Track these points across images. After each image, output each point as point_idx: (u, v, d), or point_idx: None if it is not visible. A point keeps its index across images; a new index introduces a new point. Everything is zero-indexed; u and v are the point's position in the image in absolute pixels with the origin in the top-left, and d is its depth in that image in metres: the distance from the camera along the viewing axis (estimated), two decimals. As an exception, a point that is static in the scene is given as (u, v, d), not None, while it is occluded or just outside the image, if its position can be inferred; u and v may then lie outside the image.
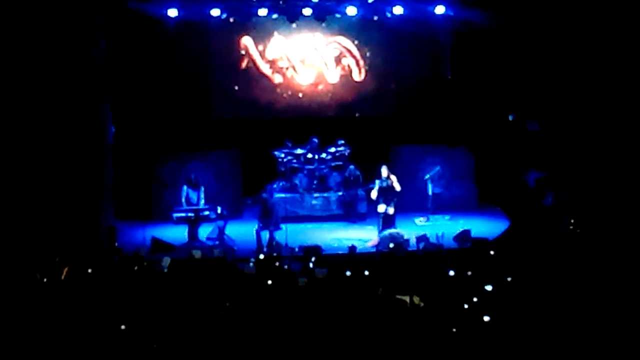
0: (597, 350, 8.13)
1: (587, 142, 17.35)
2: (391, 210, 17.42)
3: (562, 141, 18.19)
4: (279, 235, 17.10)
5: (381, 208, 17.39)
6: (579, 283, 10.63)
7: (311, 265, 13.34)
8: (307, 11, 20.59)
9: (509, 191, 20.26)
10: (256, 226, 17.21)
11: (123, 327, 9.09)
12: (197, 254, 13.87)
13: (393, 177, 17.55)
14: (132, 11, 19.18)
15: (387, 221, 17.38)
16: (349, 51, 21.45)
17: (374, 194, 17.56)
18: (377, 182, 17.56)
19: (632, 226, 15.45)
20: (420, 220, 19.11)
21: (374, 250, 16.62)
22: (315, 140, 20.49)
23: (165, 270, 12.82)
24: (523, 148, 20.07)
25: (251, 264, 13.24)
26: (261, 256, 14.89)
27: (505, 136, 20.48)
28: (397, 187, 17.47)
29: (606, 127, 16.91)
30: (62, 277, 12.01)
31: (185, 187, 18.01)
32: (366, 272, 11.74)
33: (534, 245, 14.81)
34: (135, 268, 12.91)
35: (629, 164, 16.53)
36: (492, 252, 13.04)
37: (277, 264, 13.57)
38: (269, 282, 11.34)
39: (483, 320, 8.93)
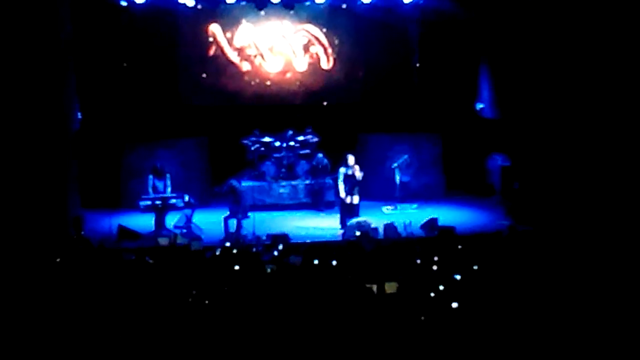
0: (565, 337, 8.20)
1: (552, 129, 17.46)
2: (356, 200, 17.42)
3: (526, 128, 18.33)
4: (247, 224, 17.08)
5: (342, 194, 17.35)
6: (546, 271, 10.71)
7: (276, 253, 13.30)
8: (275, -2, 20.58)
9: (473, 178, 20.45)
10: (225, 214, 17.17)
11: (90, 316, 9.04)
12: (164, 241, 13.78)
13: (357, 166, 17.51)
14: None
15: (351, 210, 17.37)
16: (317, 39, 21.44)
17: (342, 192, 17.49)
18: (342, 169, 17.53)
19: (598, 212, 15.62)
20: (387, 209, 19.16)
21: (340, 238, 16.63)
22: (290, 132, 20.45)
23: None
24: (487, 135, 20.23)
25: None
26: (227, 244, 14.85)
27: (472, 124, 20.60)
28: (359, 176, 17.41)
29: (571, 113, 17.02)
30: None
31: (151, 177, 17.90)
32: (334, 262, 11.74)
33: (499, 234, 14.95)
34: (102, 257, 12.82)
35: (595, 151, 16.66)
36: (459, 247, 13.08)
37: (241, 251, 13.52)
38: (236, 267, 11.31)
39: (451, 307, 8.97)
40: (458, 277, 9.25)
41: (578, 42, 16.71)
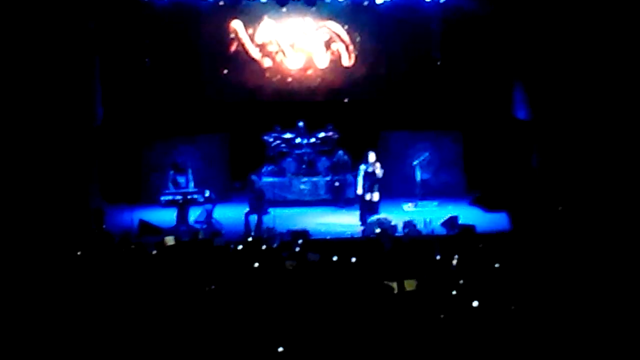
0: (584, 336, 8.17)
1: (579, 130, 17.39)
2: (376, 197, 17.39)
3: (552, 129, 18.26)
4: (267, 219, 17.11)
5: (360, 191, 17.36)
6: (567, 269, 10.68)
7: (297, 249, 13.33)
8: (297, -5, 20.58)
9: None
10: (246, 210, 17.21)
11: (109, 310, 9.09)
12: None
13: (377, 164, 17.49)
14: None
15: (371, 207, 17.36)
16: (339, 36, 21.41)
17: (359, 189, 17.48)
18: (363, 166, 17.52)
19: (618, 216, 15.55)
20: (408, 206, 19.12)
21: (359, 235, 16.63)
22: (301, 124, 20.48)
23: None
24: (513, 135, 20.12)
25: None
26: (250, 239, 14.89)
27: (495, 122, 20.50)
28: (380, 174, 17.39)
29: (597, 114, 16.95)
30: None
31: (171, 172, 17.97)
32: (353, 259, 11.74)
33: (522, 232, 14.90)
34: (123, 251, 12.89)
35: (619, 151, 16.59)
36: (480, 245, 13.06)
37: (264, 247, 13.55)
38: (256, 264, 11.34)
39: (472, 305, 8.95)
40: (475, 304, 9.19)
41: (604, 35, 16.62)
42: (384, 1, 20.56)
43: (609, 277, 10.24)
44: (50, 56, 16.31)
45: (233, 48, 21.28)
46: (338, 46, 21.43)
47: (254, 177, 17.66)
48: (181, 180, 17.85)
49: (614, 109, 16.66)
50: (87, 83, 17.30)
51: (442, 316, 8.67)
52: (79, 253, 12.41)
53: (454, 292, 9.58)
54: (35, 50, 16.22)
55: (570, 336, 8.18)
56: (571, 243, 12.87)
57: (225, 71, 21.31)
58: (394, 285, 9.43)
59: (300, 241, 14.25)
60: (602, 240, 12.86)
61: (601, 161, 16.94)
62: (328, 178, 20.08)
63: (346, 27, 21.37)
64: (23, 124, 16.24)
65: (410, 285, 9.35)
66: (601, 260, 11.27)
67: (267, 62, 21.36)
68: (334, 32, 21.39)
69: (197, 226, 17.21)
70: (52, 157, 16.41)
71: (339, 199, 19.77)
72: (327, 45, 21.43)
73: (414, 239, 15.49)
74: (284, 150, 20.60)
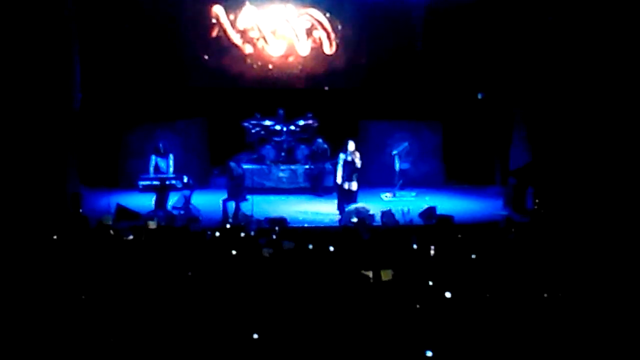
0: (557, 330, 8.22)
1: (558, 121, 17.45)
2: (354, 186, 17.38)
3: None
4: (245, 206, 17.09)
5: (339, 180, 17.38)
6: (541, 262, 10.73)
7: (275, 237, 13.30)
8: (279, -18, 20.51)
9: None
10: (223, 197, 17.18)
11: (85, 295, 9.06)
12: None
13: (357, 153, 17.47)
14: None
15: (349, 196, 17.36)
16: (321, 24, 21.35)
17: (339, 178, 17.47)
18: (342, 155, 17.50)
19: (596, 206, 15.65)
20: (386, 196, 19.15)
21: (337, 224, 16.63)
22: (281, 112, 20.45)
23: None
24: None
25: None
26: (227, 226, 14.87)
27: (474, 113, 20.57)
28: (358, 163, 17.37)
29: (577, 107, 17.01)
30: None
31: (153, 157, 17.89)
32: (331, 248, 11.74)
33: (496, 224, 14.95)
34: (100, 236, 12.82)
35: (597, 144, 16.68)
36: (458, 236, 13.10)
37: (241, 234, 13.53)
38: (233, 252, 11.32)
39: (445, 296, 8.99)
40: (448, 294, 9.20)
41: (588, 27, 16.67)
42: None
43: (588, 269, 10.31)
44: (28, 39, 16.16)
45: (214, 33, 21.17)
46: (319, 34, 21.38)
47: (232, 164, 17.61)
48: (162, 164, 17.78)
49: (592, 101, 16.72)
50: (65, 66, 17.15)
51: (417, 306, 8.70)
52: (54, 237, 12.34)
53: (430, 283, 9.60)
54: (12, 34, 16.05)
55: (549, 328, 8.22)
56: (550, 236, 12.95)
57: (206, 57, 21.21)
58: (370, 274, 9.43)
59: (277, 229, 14.23)
60: (580, 233, 12.95)
61: (580, 154, 17.01)
62: (307, 166, 20.07)
63: (328, 15, 21.32)
64: (0, 106, 16.10)
65: (386, 275, 9.34)
66: (581, 251, 11.35)
67: (248, 49, 21.29)
68: (315, 19, 21.33)
69: (175, 212, 17.16)
70: (29, 141, 16.28)
71: (317, 187, 19.77)
72: (309, 32, 21.38)
73: (391, 228, 15.53)
74: (264, 137, 20.56)
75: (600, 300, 8.95)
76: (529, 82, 18.32)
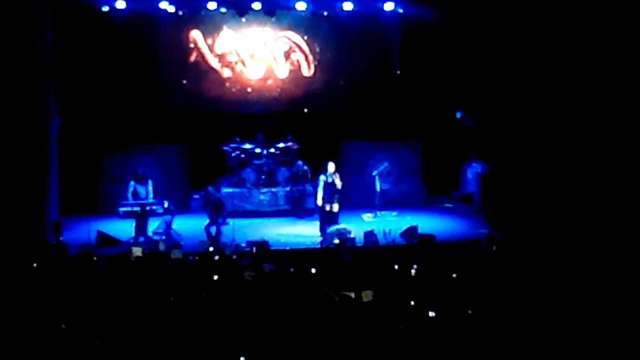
0: (540, 345, 8.23)
1: (531, 136, 17.50)
2: (336, 207, 17.39)
3: (503, 136, 18.40)
4: (226, 230, 17.03)
5: (320, 202, 17.37)
6: (522, 279, 10.75)
7: (256, 260, 13.25)
8: (256, 5, 20.59)
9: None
10: (206, 222, 17.11)
11: (64, 325, 8.98)
12: (138, 251, 13.44)
13: (337, 175, 17.49)
14: (79, 2, 18.97)
15: (331, 218, 17.36)
16: (299, 46, 21.44)
17: (319, 200, 17.48)
18: (322, 177, 17.51)
19: (574, 220, 15.70)
20: (367, 217, 19.16)
21: (318, 246, 16.61)
22: (260, 136, 20.46)
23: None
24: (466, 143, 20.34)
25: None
26: (211, 249, 14.79)
27: (452, 132, 20.66)
28: (339, 185, 17.41)
29: (552, 123, 17.08)
30: None
31: (132, 183, 17.83)
32: (313, 270, 11.71)
33: (477, 242, 14.98)
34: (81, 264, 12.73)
35: (572, 158, 16.74)
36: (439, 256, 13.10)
37: (222, 258, 13.46)
38: (215, 277, 11.27)
39: (428, 315, 8.97)
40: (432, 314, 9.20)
41: (560, 44, 16.76)
42: (344, 11, 20.62)
43: (571, 284, 10.34)
44: (5, 63, 16.09)
45: (192, 58, 21.22)
46: (298, 56, 21.46)
47: (210, 189, 17.58)
48: (141, 190, 17.70)
49: (568, 115, 16.82)
50: (43, 93, 17.08)
51: (400, 326, 8.68)
52: (34, 265, 12.25)
53: (412, 303, 9.59)
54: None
55: (532, 344, 8.23)
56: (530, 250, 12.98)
57: (185, 81, 21.24)
58: (351, 295, 9.42)
59: (255, 251, 14.19)
60: (556, 246, 13.01)
61: (552, 170, 17.10)
62: (288, 188, 20.05)
63: (306, 37, 21.42)
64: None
65: (366, 296, 9.34)
66: (561, 265, 11.39)
67: (226, 72, 21.34)
68: (293, 42, 21.41)
69: (156, 237, 17.07)
70: (8, 168, 16.17)
71: (298, 209, 19.75)
72: (287, 55, 21.46)
73: (373, 249, 15.51)
74: (244, 160, 20.54)
75: (581, 313, 8.98)
76: (504, 98, 18.39)
